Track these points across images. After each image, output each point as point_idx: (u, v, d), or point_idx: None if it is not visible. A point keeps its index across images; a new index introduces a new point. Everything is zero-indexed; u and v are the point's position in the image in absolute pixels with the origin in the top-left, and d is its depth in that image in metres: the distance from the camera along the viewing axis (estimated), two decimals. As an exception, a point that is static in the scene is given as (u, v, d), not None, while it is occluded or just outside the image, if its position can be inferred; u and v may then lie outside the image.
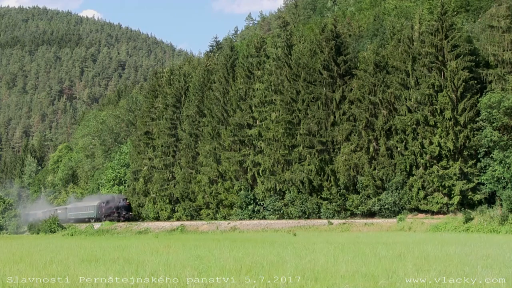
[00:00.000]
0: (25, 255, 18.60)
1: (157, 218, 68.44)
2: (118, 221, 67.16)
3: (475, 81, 42.75)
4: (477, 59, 43.81)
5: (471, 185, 41.85)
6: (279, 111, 54.81)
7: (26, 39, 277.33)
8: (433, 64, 44.44)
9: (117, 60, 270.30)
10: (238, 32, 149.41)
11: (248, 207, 56.57)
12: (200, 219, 60.53)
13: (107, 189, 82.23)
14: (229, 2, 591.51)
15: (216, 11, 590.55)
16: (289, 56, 56.44)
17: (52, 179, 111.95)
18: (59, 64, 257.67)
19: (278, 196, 54.16)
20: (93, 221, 71.15)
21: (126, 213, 70.06)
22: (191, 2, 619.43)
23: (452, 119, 42.63)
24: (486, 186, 41.17)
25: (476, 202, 41.40)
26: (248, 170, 57.85)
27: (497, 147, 40.14)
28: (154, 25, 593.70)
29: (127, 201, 71.56)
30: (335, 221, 45.67)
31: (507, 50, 41.73)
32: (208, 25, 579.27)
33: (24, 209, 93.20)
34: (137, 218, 71.05)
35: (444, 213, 42.68)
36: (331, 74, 51.39)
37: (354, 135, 48.88)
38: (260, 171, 56.05)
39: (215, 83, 64.87)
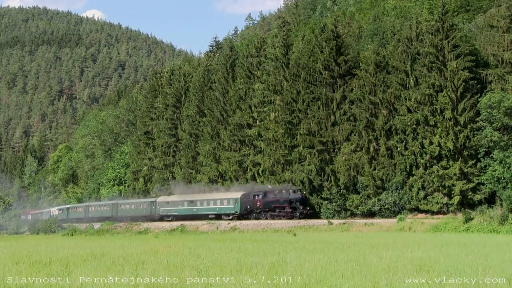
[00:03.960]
0: (25, 255, 18.58)
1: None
2: (291, 218, 50.05)
3: (475, 81, 42.75)
4: (477, 59, 43.81)
5: (471, 185, 41.84)
6: (278, 111, 54.87)
7: (26, 39, 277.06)
8: (433, 64, 44.43)
9: (117, 60, 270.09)
10: (238, 32, 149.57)
11: (248, 207, 56.44)
12: (200, 219, 60.30)
13: (107, 189, 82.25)
14: (231, 2, 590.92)
15: (218, 11, 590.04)
16: (287, 56, 56.50)
17: (52, 179, 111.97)
18: (59, 64, 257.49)
19: (278, 196, 54.03)
20: (229, 218, 55.39)
21: (304, 208, 50.64)
22: (193, 2, 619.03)
23: (452, 119, 42.63)
24: (486, 186, 41.15)
25: (476, 202, 41.40)
26: (248, 170, 57.89)
27: (497, 147, 40.13)
28: (156, 26, 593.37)
29: (303, 192, 51.64)
30: (335, 221, 45.62)
31: (507, 50, 41.75)
32: (210, 25, 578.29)
33: (23, 209, 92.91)
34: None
35: (444, 213, 42.67)
36: (331, 74, 51.39)
37: (354, 135, 48.89)
38: (260, 171, 56.07)
39: (215, 83, 64.94)
